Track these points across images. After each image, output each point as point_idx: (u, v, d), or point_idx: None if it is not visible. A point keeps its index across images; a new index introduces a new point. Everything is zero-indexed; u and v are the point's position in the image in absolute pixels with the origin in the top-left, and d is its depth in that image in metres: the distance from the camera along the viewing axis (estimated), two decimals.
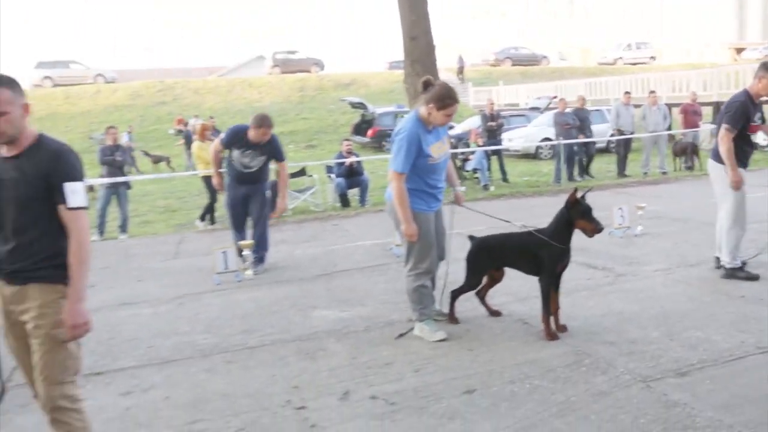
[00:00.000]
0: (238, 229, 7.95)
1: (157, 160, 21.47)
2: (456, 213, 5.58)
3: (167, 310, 6.51)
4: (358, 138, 24.48)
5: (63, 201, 3.05)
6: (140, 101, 34.91)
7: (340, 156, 13.39)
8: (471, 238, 5.51)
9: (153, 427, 4.08)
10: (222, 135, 7.71)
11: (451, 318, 5.57)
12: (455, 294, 5.55)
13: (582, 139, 15.21)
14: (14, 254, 3.09)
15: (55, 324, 3.08)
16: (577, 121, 15.34)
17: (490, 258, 5.43)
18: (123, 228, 11.61)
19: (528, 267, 5.25)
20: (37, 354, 3.11)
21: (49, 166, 3.05)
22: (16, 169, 3.05)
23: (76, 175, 3.11)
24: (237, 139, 7.64)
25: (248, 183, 7.85)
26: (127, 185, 11.87)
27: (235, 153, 7.67)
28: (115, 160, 11.65)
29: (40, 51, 42.71)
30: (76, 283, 3.08)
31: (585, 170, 15.61)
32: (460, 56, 39.21)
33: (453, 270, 5.58)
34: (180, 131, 24.46)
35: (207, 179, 11.77)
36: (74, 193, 3.07)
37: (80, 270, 3.07)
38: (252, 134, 7.54)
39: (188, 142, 22.78)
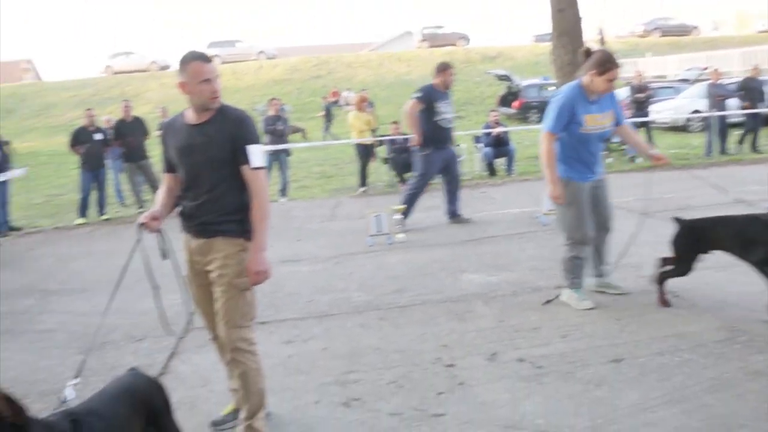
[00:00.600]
0: (417, 196, 8.41)
1: (294, 130, 22.17)
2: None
3: (324, 269, 6.92)
4: (504, 109, 24.20)
5: (246, 162, 3.37)
6: (297, 75, 36.28)
7: (488, 126, 13.52)
8: (677, 220, 5.10)
9: (312, 375, 4.41)
10: (416, 95, 8.18)
11: (663, 300, 5.14)
12: (662, 278, 5.14)
13: (744, 111, 14.26)
14: (203, 209, 3.45)
15: (236, 274, 3.41)
16: (733, 92, 14.41)
17: (700, 242, 4.97)
18: (283, 192, 12.34)
19: (748, 253, 4.78)
20: (220, 301, 3.46)
21: (233, 130, 3.38)
22: (204, 135, 3.39)
23: (256, 139, 3.45)
24: (432, 92, 8.23)
25: (448, 143, 8.47)
26: (287, 152, 12.57)
27: (440, 106, 8.20)
28: (276, 129, 12.35)
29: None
30: (259, 235, 3.39)
31: (752, 145, 14.58)
32: (600, 28, 37.48)
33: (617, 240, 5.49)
34: (334, 102, 25.18)
35: (360, 147, 12.26)
36: (255, 154, 3.40)
37: (262, 223, 3.39)
38: (441, 80, 8.27)
39: (328, 115, 23.40)
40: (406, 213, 8.25)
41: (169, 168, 3.61)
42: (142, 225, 3.48)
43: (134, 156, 11.77)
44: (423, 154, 8.30)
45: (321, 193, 12.45)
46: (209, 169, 3.40)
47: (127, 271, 3.47)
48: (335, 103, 26.43)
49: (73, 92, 34.05)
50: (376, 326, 5.18)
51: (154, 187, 11.94)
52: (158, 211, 3.54)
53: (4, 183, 11.03)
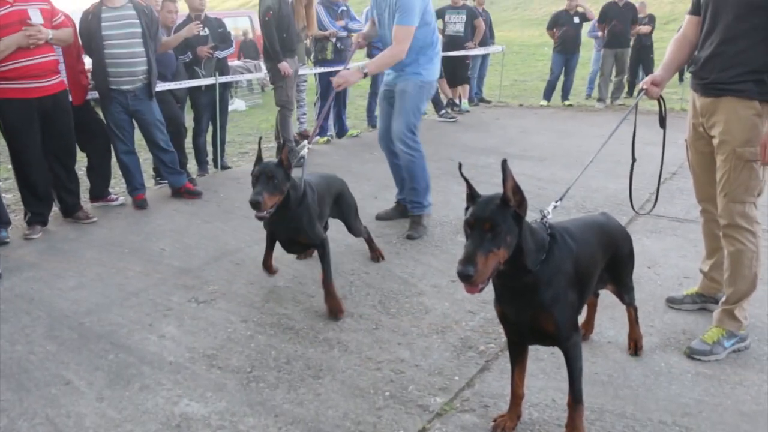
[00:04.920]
0: None
1: None
2: None
3: None
4: None
5: None
6: None
7: None
8: None
9: None
10: None
11: None
12: None
13: None
14: (716, 62, 3.00)
15: (743, 141, 2.94)
16: None
17: None
18: None
19: None
20: (721, 170, 3.06)
21: None
22: None
23: None
24: None
25: None
26: None
27: None
28: None
29: None
30: None
31: None
32: None
33: None
34: None
35: None
36: None
37: None
38: None
39: None
40: None
41: (693, 8, 3.19)
42: (642, 90, 3.24)
43: (615, 42, 11.36)
44: None
45: None
46: (737, 14, 2.89)
47: (603, 147, 3.14)
48: None
49: None
50: None
51: (619, 80, 11.59)
52: (659, 76, 3.22)
53: (486, 57, 11.82)
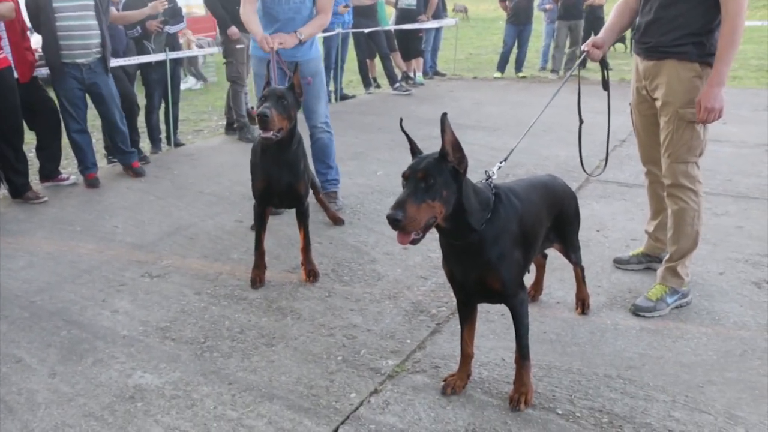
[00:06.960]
0: None
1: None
2: None
3: (751, 153, 6.10)
4: None
5: None
6: None
7: None
8: None
9: (720, 247, 3.99)
10: None
11: None
12: None
13: None
14: (657, 26, 3.08)
15: (684, 102, 3.02)
16: None
17: None
18: None
19: None
20: (664, 131, 3.14)
21: None
22: None
23: None
24: None
25: None
26: None
27: None
28: None
29: None
30: (720, 65, 2.90)
31: None
32: None
33: None
34: None
35: None
36: None
37: (728, 53, 2.88)
38: None
39: None
40: None
41: None
42: (584, 52, 3.32)
43: (568, 14, 11.38)
44: None
45: (756, 85, 10.93)
46: None
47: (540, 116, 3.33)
48: None
49: None
50: None
51: (573, 51, 11.68)
52: (601, 38, 3.31)
53: (439, 30, 11.82)
